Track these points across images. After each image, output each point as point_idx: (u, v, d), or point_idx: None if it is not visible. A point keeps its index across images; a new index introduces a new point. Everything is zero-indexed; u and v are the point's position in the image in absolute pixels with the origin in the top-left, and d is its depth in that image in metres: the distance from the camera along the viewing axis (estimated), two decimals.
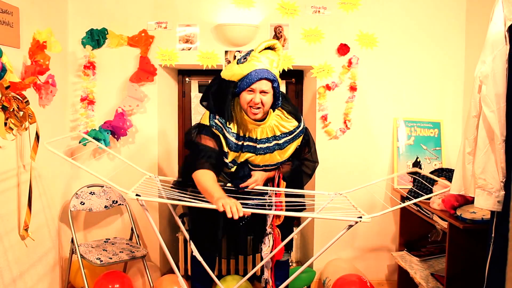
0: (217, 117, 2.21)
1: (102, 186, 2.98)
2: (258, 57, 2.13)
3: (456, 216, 2.27)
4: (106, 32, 2.98)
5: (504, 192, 1.71)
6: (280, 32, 3.03)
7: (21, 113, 2.24)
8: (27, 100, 2.26)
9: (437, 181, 2.53)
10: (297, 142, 2.33)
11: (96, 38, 2.97)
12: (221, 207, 1.83)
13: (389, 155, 3.15)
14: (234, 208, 1.82)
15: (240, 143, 2.24)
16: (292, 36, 3.04)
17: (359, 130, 3.12)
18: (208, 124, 2.21)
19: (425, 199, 2.21)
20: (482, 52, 1.74)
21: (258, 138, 2.25)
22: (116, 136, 3.01)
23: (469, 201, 2.29)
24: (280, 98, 2.23)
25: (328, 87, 3.06)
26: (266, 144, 2.26)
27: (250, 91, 2.13)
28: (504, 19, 1.67)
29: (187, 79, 3.45)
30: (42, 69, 2.48)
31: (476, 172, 1.76)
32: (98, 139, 2.92)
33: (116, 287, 2.65)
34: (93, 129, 2.98)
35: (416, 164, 3.10)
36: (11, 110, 2.15)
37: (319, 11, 3.04)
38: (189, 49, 3.03)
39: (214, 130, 2.20)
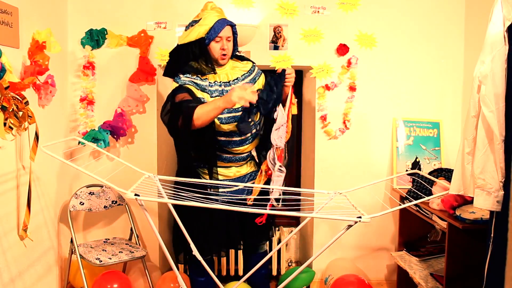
0: (180, 75, 2.40)
1: (102, 186, 2.97)
2: (212, 12, 2.39)
3: (455, 216, 2.27)
4: (105, 32, 2.98)
5: (503, 192, 1.71)
6: (280, 32, 3.03)
7: (21, 113, 2.24)
8: (27, 101, 2.26)
9: (436, 181, 2.53)
10: (262, 80, 2.53)
11: (95, 38, 2.97)
12: (242, 102, 2.11)
13: (388, 155, 3.15)
14: (250, 95, 2.12)
15: (220, 88, 2.41)
16: (292, 36, 3.05)
17: (358, 130, 3.12)
18: (177, 84, 2.38)
19: (425, 200, 2.21)
20: (481, 52, 1.74)
21: (232, 79, 2.46)
22: (115, 136, 3.01)
23: (468, 201, 2.29)
24: (237, 45, 2.51)
25: (327, 87, 3.07)
26: (238, 84, 2.46)
27: (218, 39, 2.36)
28: (503, 19, 1.67)
29: None
30: (42, 69, 2.48)
31: (475, 172, 1.76)
32: (97, 139, 2.92)
33: (115, 287, 2.65)
34: (92, 129, 2.98)
35: (415, 164, 3.10)
36: (10, 110, 2.15)
37: (318, 11, 3.04)
38: None
39: (185, 85, 2.37)
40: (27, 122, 2.28)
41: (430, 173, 2.77)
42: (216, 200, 2.33)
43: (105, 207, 2.96)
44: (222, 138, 2.42)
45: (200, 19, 2.40)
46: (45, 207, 2.72)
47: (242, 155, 2.51)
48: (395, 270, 3.09)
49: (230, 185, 2.44)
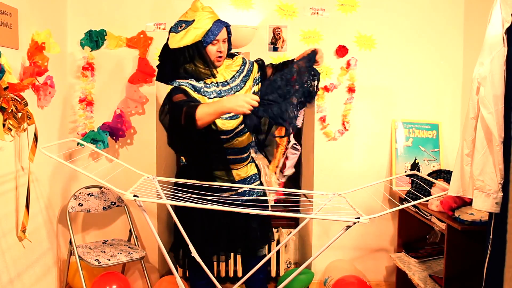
0: (176, 80, 2.34)
1: (101, 188, 2.97)
2: (205, 13, 2.31)
3: (454, 217, 2.27)
4: (104, 34, 2.98)
5: (502, 194, 1.71)
6: (279, 33, 3.04)
7: (20, 114, 2.24)
8: (26, 102, 2.26)
9: (435, 183, 2.53)
10: (256, 69, 2.50)
11: (95, 39, 2.97)
12: (247, 110, 2.01)
13: (387, 156, 3.15)
14: (250, 104, 2.01)
15: (217, 88, 2.37)
16: (291, 38, 3.05)
17: (357, 131, 3.12)
18: (173, 86, 2.33)
19: (424, 201, 2.21)
20: (480, 54, 1.74)
21: (228, 79, 2.40)
22: (114, 137, 3.01)
23: (467, 202, 2.29)
24: (231, 45, 2.45)
25: (326, 89, 3.07)
26: (236, 81, 2.42)
27: (215, 42, 2.30)
28: (502, 21, 1.67)
29: None
30: (41, 70, 2.48)
31: (474, 174, 1.76)
32: (96, 141, 2.92)
33: None
34: (91, 131, 2.98)
35: (415, 165, 3.10)
36: (9, 111, 2.15)
37: (317, 13, 3.04)
38: None
39: (181, 86, 2.30)
40: (26, 123, 2.28)
41: (429, 175, 2.77)
42: (218, 203, 2.27)
43: (104, 208, 2.96)
44: (224, 137, 2.36)
45: (193, 20, 2.32)
46: (44, 208, 2.72)
47: (242, 156, 2.50)
48: (394, 272, 3.09)
49: (235, 187, 2.42)
